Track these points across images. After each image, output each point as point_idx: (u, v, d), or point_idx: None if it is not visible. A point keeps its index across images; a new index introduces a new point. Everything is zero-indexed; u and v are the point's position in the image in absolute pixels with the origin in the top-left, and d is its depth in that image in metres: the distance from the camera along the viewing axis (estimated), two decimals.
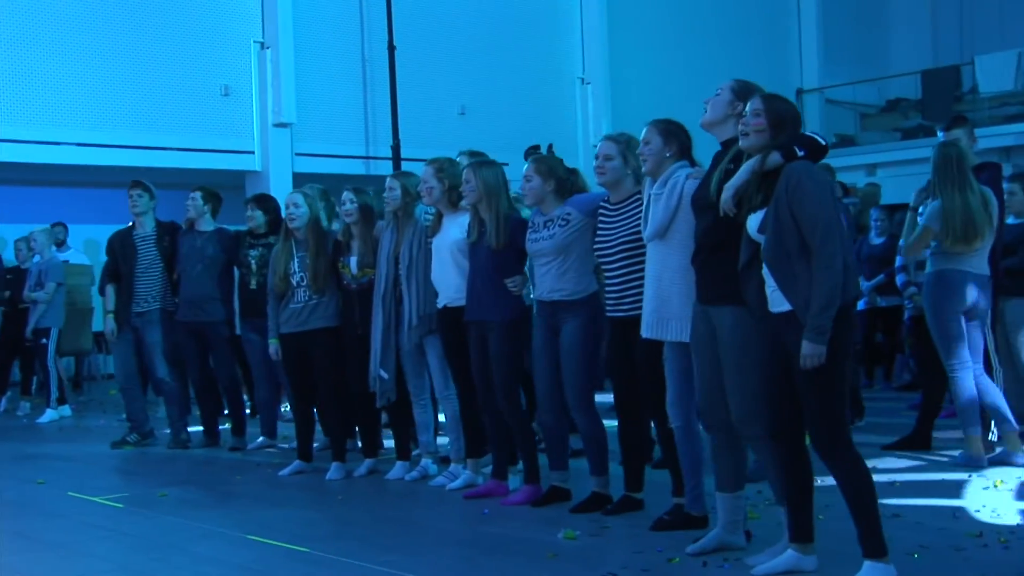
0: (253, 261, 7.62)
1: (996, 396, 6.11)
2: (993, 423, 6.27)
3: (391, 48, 13.85)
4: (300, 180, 12.52)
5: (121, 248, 8.11)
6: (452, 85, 15.02)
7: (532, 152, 10.10)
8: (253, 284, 7.59)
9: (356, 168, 14.05)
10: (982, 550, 4.28)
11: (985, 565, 4.08)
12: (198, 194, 8.10)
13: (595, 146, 15.79)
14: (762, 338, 4.04)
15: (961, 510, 4.98)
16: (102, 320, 12.27)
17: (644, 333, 4.71)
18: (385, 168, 13.83)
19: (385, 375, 6.22)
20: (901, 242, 8.18)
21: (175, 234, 8.09)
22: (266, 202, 7.86)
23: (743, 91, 4.30)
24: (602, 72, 16.59)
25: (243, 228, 8.37)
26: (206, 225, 8.08)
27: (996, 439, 6.32)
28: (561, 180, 5.40)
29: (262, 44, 13.58)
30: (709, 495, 4.83)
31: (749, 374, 4.09)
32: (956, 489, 5.50)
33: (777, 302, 3.91)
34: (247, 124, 13.54)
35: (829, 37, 19.41)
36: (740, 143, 4.04)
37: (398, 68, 13.86)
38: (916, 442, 6.62)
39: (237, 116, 13.45)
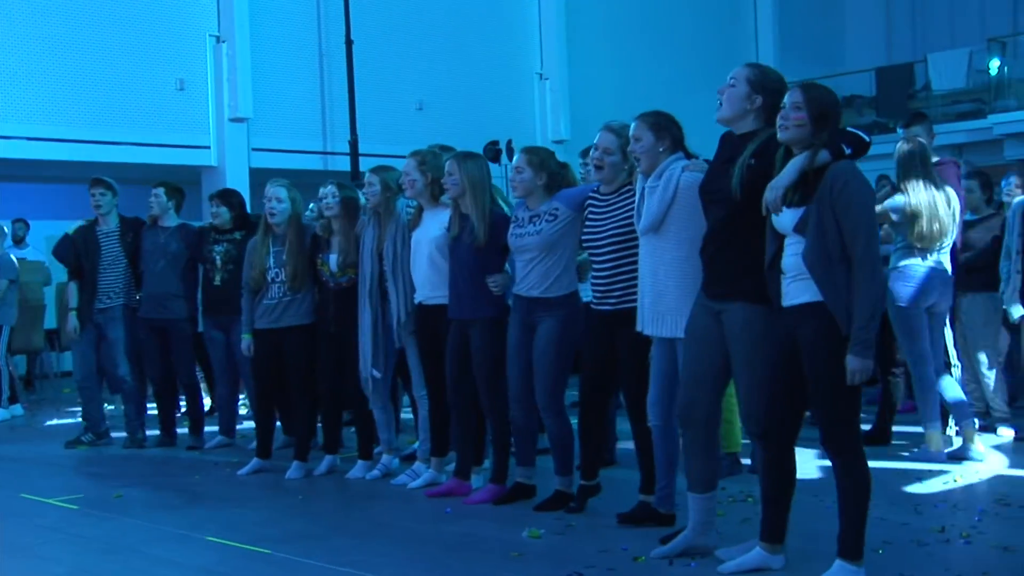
0: (218, 257, 7.52)
1: (956, 392, 6.17)
2: (952, 419, 6.33)
3: (348, 43, 13.76)
4: (257, 175, 12.42)
5: (84, 244, 7.98)
6: (410, 80, 14.97)
7: (490, 148, 10.06)
8: (217, 280, 7.49)
9: (314, 163, 13.96)
10: (944, 545, 4.32)
11: (948, 560, 4.11)
12: (161, 190, 7.99)
13: (555, 142, 15.92)
14: (773, 335, 3.93)
15: (922, 505, 5.01)
16: (55, 317, 12.22)
17: (642, 329, 4.60)
18: (343, 163, 13.76)
19: (378, 375, 6.14)
20: None
21: (139, 230, 7.97)
22: (231, 197, 7.75)
23: (760, 82, 4.09)
24: (560, 68, 16.60)
25: (202, 224, 8.27)
26: (169, 221, 7.97)
27: (955, 434, 6.38)
28: (553, 174, 5.29)
29: (217, 38, 13.45)
30: (679, 494, 4.82)
31: (760, 371, 3.99)
32: (917, 484, 5.54)
33: (792, 295, 3.79)
34: (203, 119, 13.40)
35: (785, 34, 19.56)
36: (779, 136, 3.83)
37: (356, 63, 13.78)
38: (875, 438, 6.66)
39: (192, 111, 13.32)
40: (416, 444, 6.31)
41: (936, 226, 5.92)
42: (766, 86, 4.05)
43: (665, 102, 5.28)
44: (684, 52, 17.59)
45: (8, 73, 11.88)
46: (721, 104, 4.16)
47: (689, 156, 4.57)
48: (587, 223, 4.99)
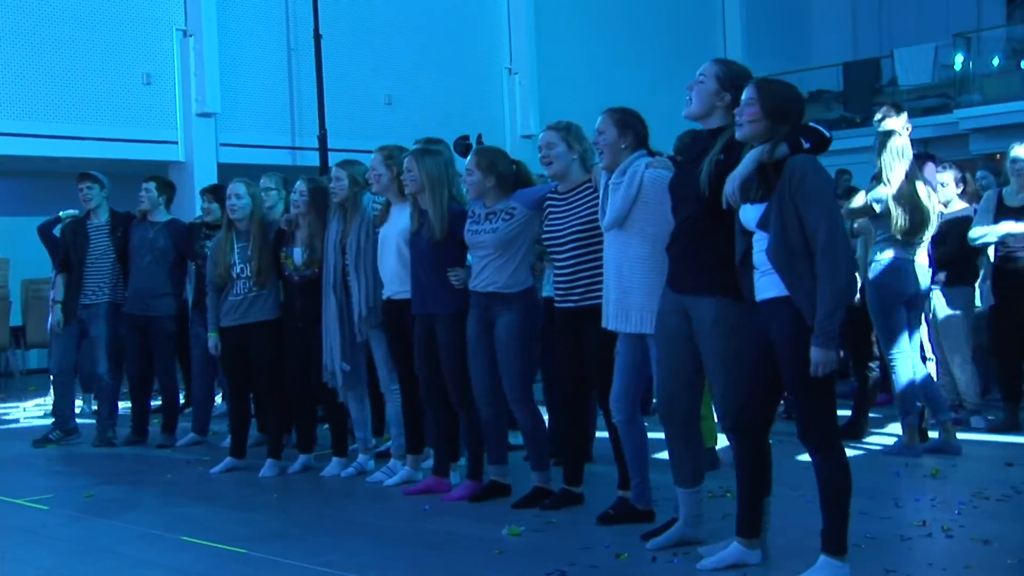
0: (208, 253, 7.43)
1: (933, 385, 6.20)
2: (928, 411, 6.35)
3: (317, 37, 13.64)
4: (224, 171, 12.30)
5: (73, 237, 7.87)
6: (379, 75, 14.88)
7: (461, 142, 10.02)
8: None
9: (282, 159, 13.82)
10: (927, 539, 4.32)
11: (932, 554, 4.12)
12: (152, 184, 7.90)
13: (524, 136, 15.89)
14: (744, 329, 3.94)
15: (903, 499, 5.03)
16: (20, 314, 12.04)
17: (606, 325, 4.60)
18: (312, 159, 13.65)
19: (347, 368, 6.09)
20: None
21: (129, 225, 7.86)
22: (222, 193, 7.66)
23: (729, 78, 4.10)
24: (529, 62, 16.56)
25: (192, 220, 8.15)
26: (159, 216, 7.87)
27: (930, 427, 6.41)
28: (502, 175, 5.31)
29: (184, 32, 13.28)
30: (655, 488, 4.82)
31: (732, 366, 4.00)
32: (895, 478, 5.56)
33: (763, 289, 3.79)
34: (170, 113, 13.24)
35: (752, 29, 19.63)
36: (736, 132, 3.86)
37: (324, 57, 13.67)
38: (850, 431, 6.68)
39: (159, 105, 13.15)
40: (389, 442, 6.26)
41: (918, 219, 5.93)
42: (735, 82, 4.05)
43: (634, 96, 5.32)
44: (652, 47, 17.61)
45: None
46: (690, 100, 4.17)
47: (652, 155, 4.60)
48: (547, 222, 5.01)
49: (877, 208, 5.99)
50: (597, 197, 4.73)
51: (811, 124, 3.83)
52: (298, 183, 6.37)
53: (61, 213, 7.99)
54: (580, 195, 4.90)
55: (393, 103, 14.91)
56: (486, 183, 5.28)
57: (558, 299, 4.97)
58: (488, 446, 5.52)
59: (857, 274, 7.42)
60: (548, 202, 5.05)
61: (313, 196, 6.25)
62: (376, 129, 13.65)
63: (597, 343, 4.75)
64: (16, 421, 9.65)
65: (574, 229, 4.86)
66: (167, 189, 7.96)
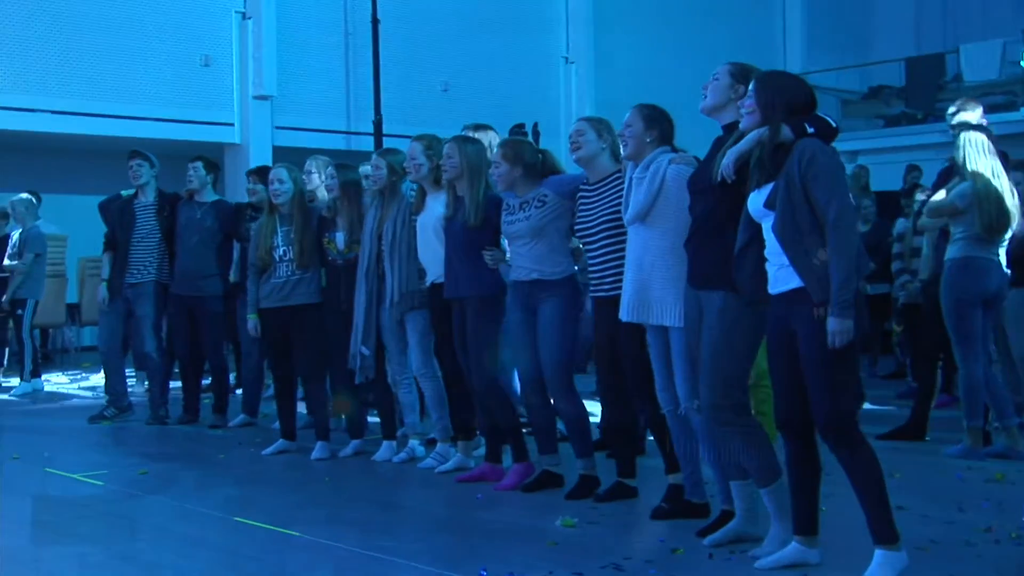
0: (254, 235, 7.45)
1: (999, 387, 6.05)
2: (992, 414, 6.19)
3: (375, 22, 13.64)
4: (280, 153, 12.34)
5: (120, 216, 7.91)
6: (436, 61, 14.85)
7: (516, 131, 10.02)
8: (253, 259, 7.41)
9: (337, 143, 13.86)
10: (994, 545, 4.20)
11: (1000, 560, 4.01)
12: (199, 163, 7.93)
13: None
14: (748, 326, 4.04)
15: (966, 503, 4.89)
16: (76, 291, 12.18)
17: (623, 316, 4.66)
18: (366, 143, 13.67)
19: (367, 351, 6.11)
20: (899, 226, 8.14)
21: (176, 205, 7.89)
22: (266, 175, 7.68)
23: (741, 73, 4.24)
24: (586, 52, 16.47)
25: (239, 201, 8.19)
26: (207, 196, 7.90)
27: (994, 431, 6.25)
28: (529, 164, 5.36)
29: (243, 14, 13.36)
30: (709, 483, 4.74)
31: (726, 360, 4.08)
32: (958, 482, 5.44)
33: (782, 281, 3.81)
34: (227, 96, 13.33)
35: (813, 23, 19.36)
36: (740, 125, 4.00)
37: (381, 42, 13.66)
38: (911, 432, 6.55)
39: (217, 87, 13.25)
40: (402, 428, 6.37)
41: (1003, 216, 5.78)
42: (748, 77, 4.14)
43: (690, 89, 5.31)
44: (710, 38, 17.41)
45: (32, 47, 11.81)
46: (706, 95, 4.33)
47: (676, 151, 4.66)
48: (578, 212, 5.08)
49: (960, 204, 5.84)
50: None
51: (818, 114, 3.93)
52: (329, 168, 6.47)
53: (123, 192, 8.03)
54: (609, 186, 4.97)
55: (449, 90, 14.88)
56: (513, 173, 5.34)
57: (592, 288, 5.02)
58: (537, 436, 5.51)
59: (920, 272, 7.32)
60: (579, 193, 5.12)
61: (344, 189, 6.33)
62: (431, 116, 13.63)
63: (631, 334, 4.75)
64: (71, 397, 9.76)
65: (604, 219, 4.92)
66: (214, 169, 7.98)
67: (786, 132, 3.81)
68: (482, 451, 5.92)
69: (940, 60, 17.36)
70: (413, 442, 6.32)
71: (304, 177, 6.83)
